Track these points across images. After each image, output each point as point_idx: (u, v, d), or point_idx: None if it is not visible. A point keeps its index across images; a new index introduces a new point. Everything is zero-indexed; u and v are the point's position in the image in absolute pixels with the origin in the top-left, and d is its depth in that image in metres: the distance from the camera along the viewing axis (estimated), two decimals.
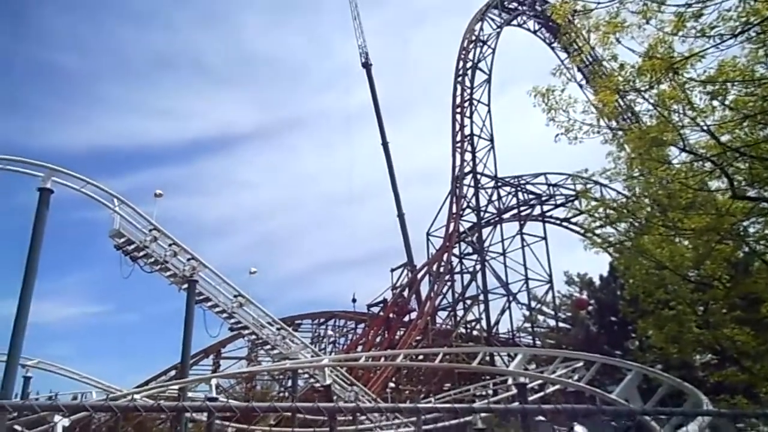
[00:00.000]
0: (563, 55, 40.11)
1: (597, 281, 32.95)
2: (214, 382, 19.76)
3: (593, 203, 15.21)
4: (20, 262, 16.02)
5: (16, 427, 19.39)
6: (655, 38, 7.46)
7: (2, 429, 14.71)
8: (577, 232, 42.00)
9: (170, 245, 20.89)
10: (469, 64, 47.03)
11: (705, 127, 8.04)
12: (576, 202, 38.82)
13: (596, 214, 14.51)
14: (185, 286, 20.92)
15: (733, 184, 8.55)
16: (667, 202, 10.33)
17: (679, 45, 7.58)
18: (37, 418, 19.03)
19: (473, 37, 47.66)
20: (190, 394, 23.25)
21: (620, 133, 11.51)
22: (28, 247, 16.22)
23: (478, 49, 47.53)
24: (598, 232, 15.04)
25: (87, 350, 75.90)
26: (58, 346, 72.50)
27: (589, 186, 15.88)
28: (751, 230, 11.21)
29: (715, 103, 8.04)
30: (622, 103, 9.46)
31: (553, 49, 48.80)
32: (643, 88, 7.89)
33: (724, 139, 8.41)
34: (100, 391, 24.28)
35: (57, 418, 15.61)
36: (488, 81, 47.20)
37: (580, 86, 39.32)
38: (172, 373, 32.80)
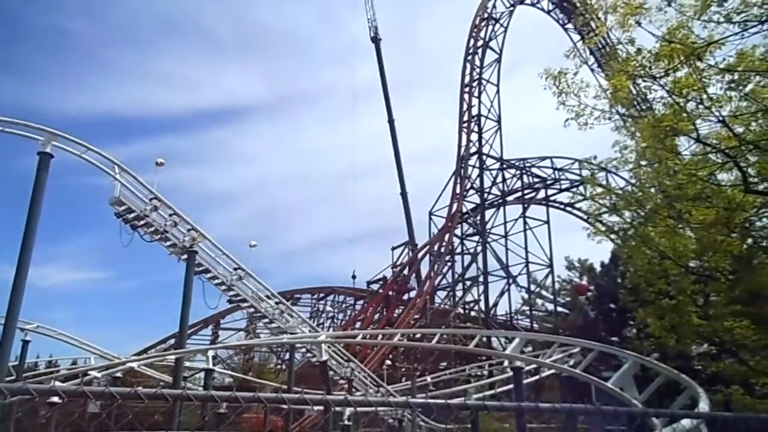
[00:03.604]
0: (576, 38, 39.29)
1: (598, 267, 32.84)
2: (210, 353, 19.83)
3: (598, 190, 15.00)
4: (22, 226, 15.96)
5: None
6: (676, 22, 7.18)
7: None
8: (580, 218, 41.95)
9: (171, 215, 20.77)
10: (480, 43, 46.24)
11: (720, 118, 7.80)
12: (581, 188, 38.59)
13: (601, 202, 14.31)
14: (185, 256, 20.86)
15: (745, 177, 8.33)
16: (675, 193, 10.12)
17: (699, 30, 7.33)
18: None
19: (485, 15, 46.73)
20: (187, 364, 23.44)
21: (631, 121, 11.22)
22: (27, 210, 16.13)
23: (490, 28, 46.68)
24: (602, 219, 14.85)
25: (87, 316, 76.87)
26: (59, 311, 73.38)
27: (595, 172, 15.61)
28: (759, 225, 11.02)
29: (732, 93, 7.79)
30: (634, 91, 9.18)
31: (566, 30, 47.87)
32: (658, 75, 7.63)
33: (738, 131, 8.19)
34: (98, 357, 24.50)
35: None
36: (498, 61, 46.51)
37: (593, 71, 38.76)
38: (172, 341, 33.06)
